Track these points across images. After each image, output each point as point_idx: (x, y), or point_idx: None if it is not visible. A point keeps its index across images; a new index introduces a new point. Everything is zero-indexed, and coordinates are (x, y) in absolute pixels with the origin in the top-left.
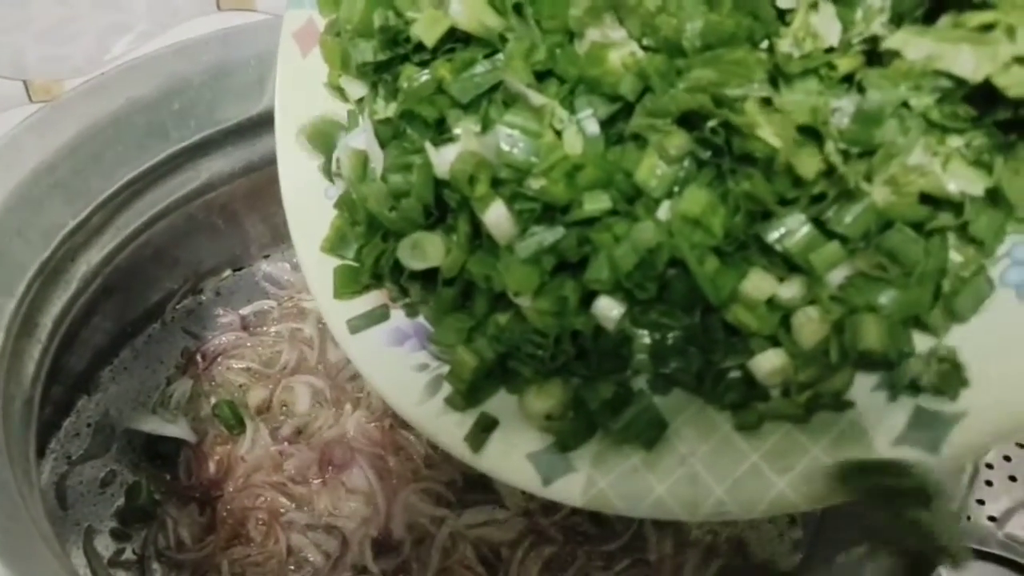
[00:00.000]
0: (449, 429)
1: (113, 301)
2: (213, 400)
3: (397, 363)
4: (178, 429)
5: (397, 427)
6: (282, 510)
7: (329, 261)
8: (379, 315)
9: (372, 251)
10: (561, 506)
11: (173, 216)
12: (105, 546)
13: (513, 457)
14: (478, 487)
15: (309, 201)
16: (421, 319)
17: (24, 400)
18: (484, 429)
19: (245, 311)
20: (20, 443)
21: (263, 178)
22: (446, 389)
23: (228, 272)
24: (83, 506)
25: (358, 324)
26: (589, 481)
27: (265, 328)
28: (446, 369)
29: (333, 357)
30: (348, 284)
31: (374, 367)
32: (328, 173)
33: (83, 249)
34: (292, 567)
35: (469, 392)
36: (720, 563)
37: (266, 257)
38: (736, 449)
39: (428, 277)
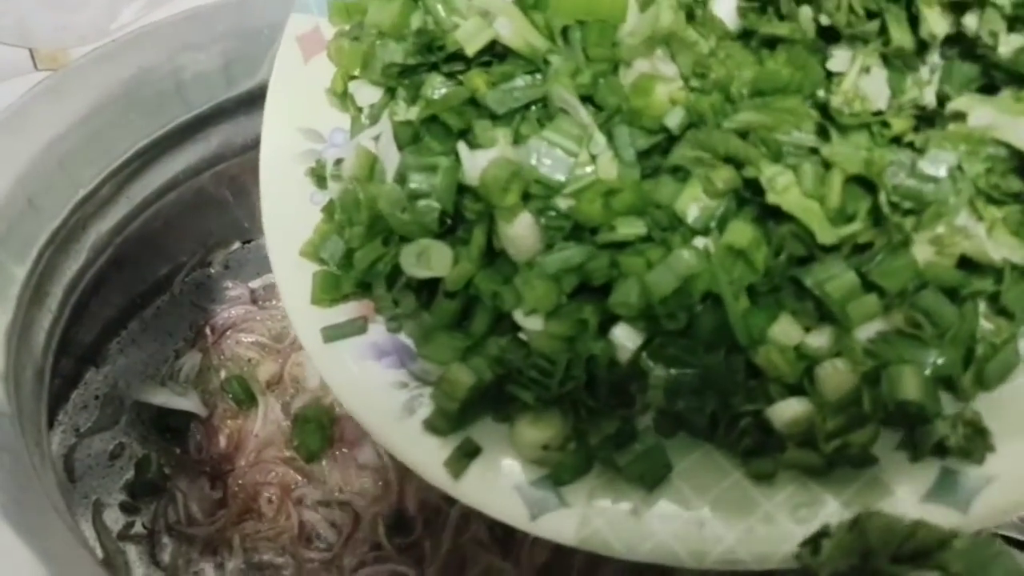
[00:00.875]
0: (426, 453)
1: (123, 272)
2: (223, 374)
3: (372, 379)
4: (188, 402)
5: None
6: (293, 485)
7: (306, 267)
8: (357, 327)
9: (368, 254)
10: None
11: (184, 187)
12: (114, 519)
13: (498, 487)
14: None
15: (291, 205)
16: (402, 336)
17: (35, 370)
18: (466, 455)
19: (254, 284)
20: (32, 414)
21: None
22: (425, 410)
23: (237, 244)
24: (91, 479)
25: (333, 334)
26: (583, 519)
27: (274, 302)
28: (427, 390)
29: None
30: (328, 290)
31: (345, 381)
32: (318, 177)
33: (94, 219)
34: (304, 543)
35: (457, 414)
36: None
37: None
38: (747, 496)
39: (424, 289)
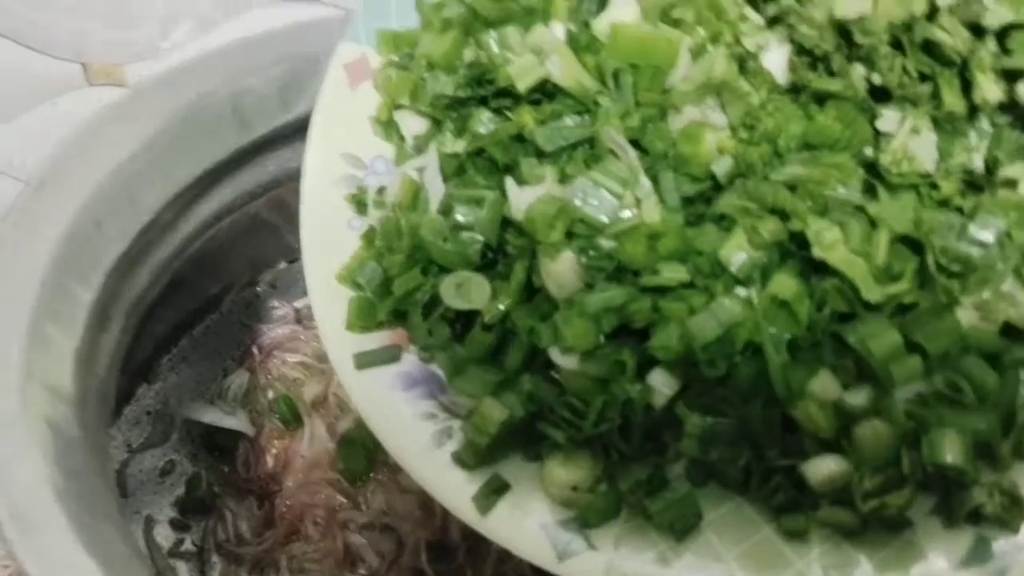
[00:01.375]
0: (454, 486)
1: (178, 293)
2: (270, 394)
3: (402, 408)
4: (237, 422)
5: None
6: (338, 508)
7: (342, 292)
8: (390, 356)
9: (406, 283)
10: None
11: (241, 210)
12: (165, 536)
13: (525, 526)
14: None
15: (330, 229)
16: (434, 367)
17: (99, 393)
18: (494, 491)
19: (300, 304)
20: (98, 436)
21: None
22: (454, 443)
23: (283, 264)
24: (143, 495)
25: (365, 361)
26: (610, 565)
27: None
28: (456, 423)
29: None
30: (363, 317)
31: (376, 409)
32: (358, 203)
33: (156, 244)
34: (349, 567)
35: (487, 449)
36: None
37: None
38: (778, 553)
39: (460, 321)
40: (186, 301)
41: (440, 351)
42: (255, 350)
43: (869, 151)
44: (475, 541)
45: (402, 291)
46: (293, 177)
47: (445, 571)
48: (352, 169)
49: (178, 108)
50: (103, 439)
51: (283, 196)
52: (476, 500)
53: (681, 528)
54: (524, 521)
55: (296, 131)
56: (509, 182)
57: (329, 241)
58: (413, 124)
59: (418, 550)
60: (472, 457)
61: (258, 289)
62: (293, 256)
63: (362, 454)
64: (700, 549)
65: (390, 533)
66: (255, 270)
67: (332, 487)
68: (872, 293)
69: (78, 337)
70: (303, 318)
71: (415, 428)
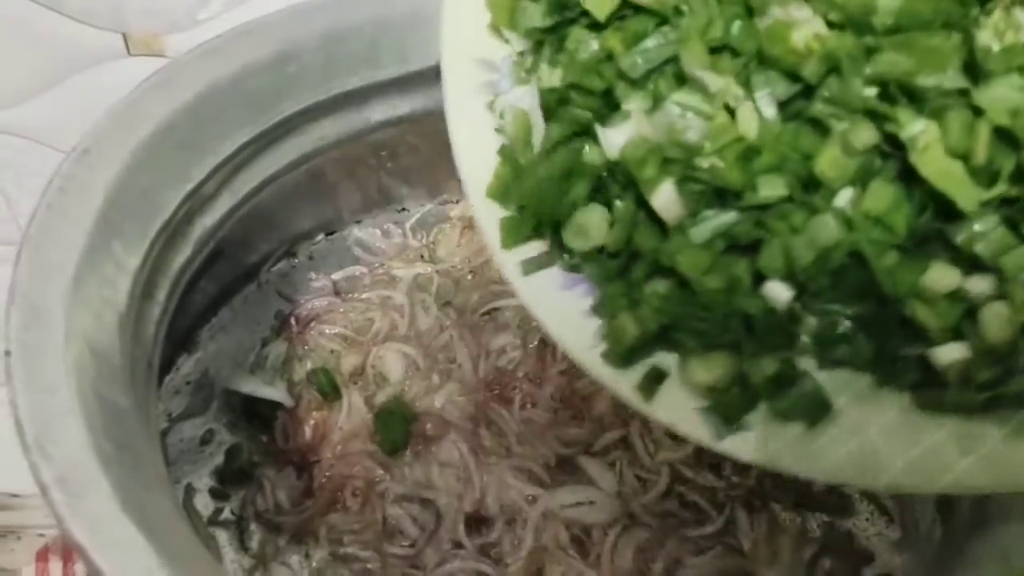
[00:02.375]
0: (620, 376)
1: (218, 263)
2: (308, 365)
3: (568, 307)
4: (276, 392)
5: (490, 401)
6: (376, 480)
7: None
8: (548, 260)
9: (531, 216)
10: (653, 490)
11: (281, 180)
12: (204, 505)
13: (685, 410)
14: (569, 467)
15: (479, 140)
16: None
17: (147, 362)
18: (654, 380)
19: (337, 276)
20: (146, 406)
21: (367, 146)
22: None
23: (321, 236)
24: (183, 464)
25: (528, 267)
26: (761, 439)
27: (356, 294)
28: None
29: (423, 325)
30: (512, 234)
31: (546, 310)
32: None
33: (199, 213)
34: (388, 538)
35: (628, 354)
36: (815, 548)
37: (358, 222)
38: (913, 425)
39: None
40: (225, 271)
41: (584, 264)
42: (292, 321)
43: (972, 19)
44: (513, 513)
45: (533, 220)
46: (332, 147)
47: (483, 544)
48: (487, 74)
49: (223, 78)
50: (150, 407)
51: (322, 167)
52: (639, 389)
53: (811, 419)
54: (684, 405)
55: (338, 102)
56: (599, 129)
57: (481, 152)
58: (519, 42)
59: (456, 522)
60: (617, 360)
61: (295, 261)
62: (331, 228)
63: (399, 426)
64: (839, 426)
65: (428, 505)
66: (292, 241)
67: (370, 459)
68: (967, 202)
69: (124, 304)
70: (340, 290)
71: (581, 325)
